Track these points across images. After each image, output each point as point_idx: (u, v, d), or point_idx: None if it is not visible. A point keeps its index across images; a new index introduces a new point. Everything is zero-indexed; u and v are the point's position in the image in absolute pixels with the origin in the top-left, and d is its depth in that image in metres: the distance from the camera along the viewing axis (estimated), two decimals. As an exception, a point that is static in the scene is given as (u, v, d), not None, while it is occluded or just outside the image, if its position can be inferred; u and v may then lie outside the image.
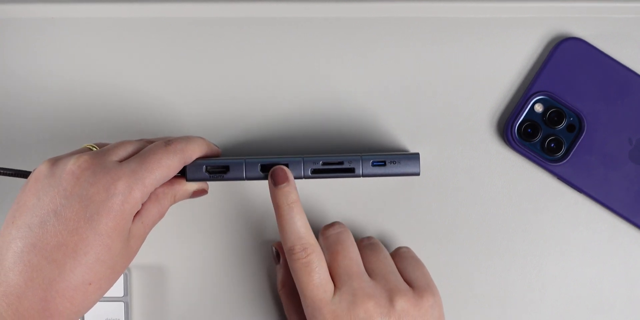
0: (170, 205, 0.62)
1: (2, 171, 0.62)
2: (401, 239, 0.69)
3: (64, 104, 0.70)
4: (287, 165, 0.63)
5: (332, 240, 0.63)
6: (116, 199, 0.55)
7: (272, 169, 0.62)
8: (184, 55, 0.70)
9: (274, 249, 0.68)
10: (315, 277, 0.59)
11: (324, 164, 0.63)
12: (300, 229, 0.60)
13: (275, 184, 0.61)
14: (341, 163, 0.63)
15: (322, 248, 0.63)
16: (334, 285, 0.60)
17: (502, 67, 0.70)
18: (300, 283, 0.60)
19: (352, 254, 0.62)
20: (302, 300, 0.60)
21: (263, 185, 0.69)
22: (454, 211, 0.70)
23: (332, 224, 0.65)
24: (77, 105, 0.70)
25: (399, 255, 0.66)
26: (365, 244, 0.66)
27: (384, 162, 0.63)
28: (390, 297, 0.60)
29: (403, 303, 0.60)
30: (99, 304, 0.69)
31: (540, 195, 0.69)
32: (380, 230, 0.70)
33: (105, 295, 0.68)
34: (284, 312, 0.67)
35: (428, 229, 0.70)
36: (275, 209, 0.61)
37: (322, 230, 0.64)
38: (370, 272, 0.62)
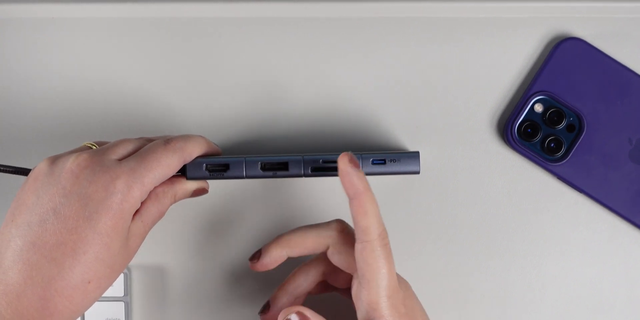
0: (171, 204, 0.62)
1: (2, 168, 0.62)
2: (401, 239, 0.69)
3: (64, 103, 0.70)
4: (287, 163, 0.63)
5: None
6: (115, 197, 0.55)
7: (343, 154, 0.58)
8: (184, 55, 0.70)
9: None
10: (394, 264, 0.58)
11: (324, 162, 0.63)
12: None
13: (354, 166, 0.58)
14: None
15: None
16: None
17: (502, 67, 0.70)
18: (387, 270, 0.57)
19: None
20: (377, 287, 0.57)
21: (263, 185, 0.69)
22: (454, 211, 0.70)
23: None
24: (77, 104, 0.70)
25: None
26: None
27: (384, 160, 0.63)
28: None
29: None
30: (99, 304, 0.69)
31: (540, 195, 0.69)
32: (380, 230, 0.70)
33: (105, 295, 0.68)
34: None
35: (428, 229, 0.70)
36: (357, 193, 0.57)
37: None
38: None
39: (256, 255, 0.63)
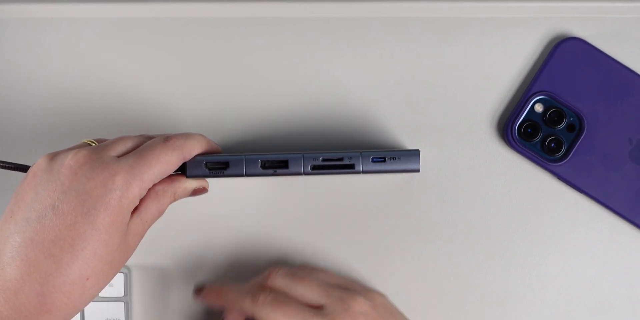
0: (170, 203, 0.62)
1: (1, 164, 0.62)
2: (400, 239, 0.69)
3: (63, 102, 0.70)
4: (287, 161, 0.63)
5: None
6: (114, 194, 0.55)
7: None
8: (184, 54, 0.70)
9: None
10: (293, 306, 0.61)
11: (324, 160, 0.63)
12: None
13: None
14: (341, 159, 0.63)
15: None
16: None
17: (502, 67, 0.70)
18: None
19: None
20: None
21: (263, 184, 0.69)
22: (453, 211, 0.70)
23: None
24: (77, 103, 0.70)
25: None
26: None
27: (384, 158, 0.63)
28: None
29: None
30: (99, 304, 0.69)
31: (540, 195, 0.69)
32: (379, 230, 0.69)
33: (105, 295, 0.68)
34: None
35: (428, 229, 0.69)
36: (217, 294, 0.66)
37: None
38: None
39: (198, 291, 0.69)
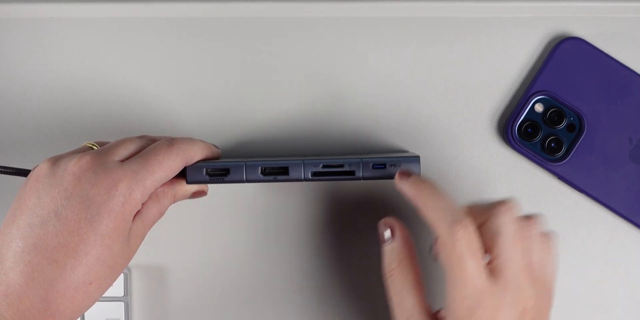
0: (170, 204, 0.62)
1: (2, 170, 0.62)
2: (401, 239, 0.69)
3: (64, 103, 0.70)
4: (287, 168, 0.62)
5: (511, 226, 0.56)
6: (117, 200, 0.55)
7: (397, 174, 0.60)
8: (184, 55, 0.70)
9: (384, 226, 0.62)
10: (477, 261, 0.54)
11: (324, 166, 0.63)
12: (460, 208, 0.56)
13: (402, 179, 0.59)
14: (341, 166, 0.62)
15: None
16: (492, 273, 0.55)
17: (502, 67, 0.70)
18: (461, 265, 0.53)
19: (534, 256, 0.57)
20: (453, 288, 0.54)
21: (263, 185, 0.69)
22: (454, 211, 0.70)
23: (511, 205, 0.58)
24: (77, 104, 0.70)
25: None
26: (538, 232, 0.58)
27: (384, 164, 0.63)
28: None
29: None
30: (99, 304, 0.69)
31: (540, 195, 0.69)
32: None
33: (105, 295, 0.68)
34: (390, 294, 0.60)
35: (428, 230, 0.69)
36: (410, 199, 0.58)
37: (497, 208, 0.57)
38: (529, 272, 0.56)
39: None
